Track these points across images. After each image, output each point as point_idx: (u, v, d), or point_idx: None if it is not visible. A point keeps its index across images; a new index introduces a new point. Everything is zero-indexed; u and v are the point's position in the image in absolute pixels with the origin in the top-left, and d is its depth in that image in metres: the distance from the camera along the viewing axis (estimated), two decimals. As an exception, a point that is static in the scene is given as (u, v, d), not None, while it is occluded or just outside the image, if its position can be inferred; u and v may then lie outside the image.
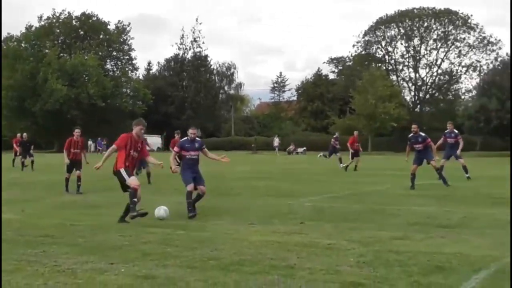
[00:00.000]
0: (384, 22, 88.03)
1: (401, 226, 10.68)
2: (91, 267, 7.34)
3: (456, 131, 23.07)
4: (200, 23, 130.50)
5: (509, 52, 74.94)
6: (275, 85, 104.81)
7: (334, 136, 35.71)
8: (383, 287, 6.31)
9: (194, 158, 13.18)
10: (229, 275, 6.88)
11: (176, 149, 13.86)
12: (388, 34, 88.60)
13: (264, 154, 67.02)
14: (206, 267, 7.30)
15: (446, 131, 22.89)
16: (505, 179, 21.92)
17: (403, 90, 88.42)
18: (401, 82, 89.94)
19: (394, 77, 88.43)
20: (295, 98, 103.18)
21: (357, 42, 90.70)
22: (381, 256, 7.85)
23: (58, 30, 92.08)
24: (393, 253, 8.08)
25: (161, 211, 11.91)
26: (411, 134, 19.24)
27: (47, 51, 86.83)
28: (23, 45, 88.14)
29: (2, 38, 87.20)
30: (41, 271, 7.12)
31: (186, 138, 13.46)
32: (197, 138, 13.58)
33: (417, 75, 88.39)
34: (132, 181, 11.28)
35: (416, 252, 8.11)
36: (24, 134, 35.37)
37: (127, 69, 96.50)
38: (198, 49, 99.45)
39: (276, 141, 70.90)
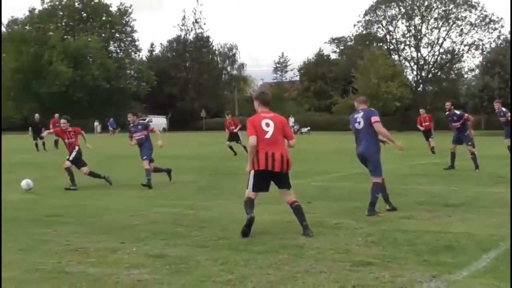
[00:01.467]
0: (384, 2, 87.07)
1: (408, 205, 10.64)
2: (103, 246, 7.36)
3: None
4: (201, 4, 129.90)
5: (512, 31, 74.30)
6: (278, 65, 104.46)
7: None
8: (392, 266, 6.29)
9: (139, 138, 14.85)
10: (239, 254, 6.89)
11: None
12: (389, 13, 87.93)
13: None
14: (216, 247, 7.31)
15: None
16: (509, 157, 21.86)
17: (405, 70, 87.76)
18: (403, 61, 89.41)
19: (396, 57, 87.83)
20: (297, 78, 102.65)
21: (358, 22, 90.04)
22: (389, 235, 7.84)
23: (61, 13, 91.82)
24: (401, 232, 8.07)
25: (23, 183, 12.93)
26: (447, 113, 18.61)
27: (51, 33, 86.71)
28: (27, 27, 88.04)
29: (7, 22, 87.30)
30: (54, 250, 7.17)
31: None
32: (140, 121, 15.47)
33: (419, 54, 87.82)
34: None
35: (424, 231, 8.10)
36: (36, 115, 34.64)
37: (130, 50, 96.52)
38: (200, 30, 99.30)
39: (291, 121, 70.31)
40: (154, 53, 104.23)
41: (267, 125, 8.04)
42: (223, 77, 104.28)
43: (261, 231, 8.18)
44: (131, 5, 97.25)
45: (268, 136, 8.01)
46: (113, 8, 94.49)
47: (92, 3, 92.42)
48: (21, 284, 5.72)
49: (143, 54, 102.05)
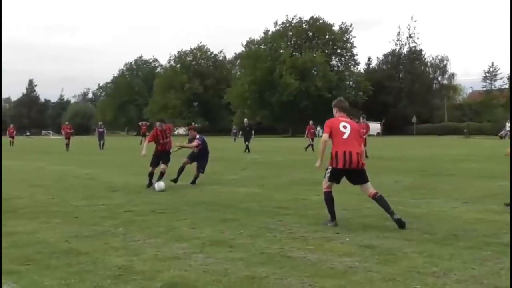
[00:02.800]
0: None
1: None
2: (320, 235, 7.45)
3: None
4: (415, 21, 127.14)
5: None
6: (487, 74, 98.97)
7: None
8: None
9: None
10: (444, 248, 6.60)
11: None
12: None
13: (476, 138, 63.37)
14: (421, 240, 7.08)
15: None
16: None
17: None
18: None
19: None
20: (507, 86, 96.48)
21: None
22: None
23: (290, 33, 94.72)
24: None
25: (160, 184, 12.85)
26: None
27: (281, 51, 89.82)
28: (262, 47, 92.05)
29: (245, 43, 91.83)
30: (278, 237, 7.36)
31: None
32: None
33: None
34: None
35: None
36: (245, 119, 35.43)
37: (349, 64, 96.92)
38: (413, 44, 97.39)
39: (508, 126, 65.95)
40: (370, 66, 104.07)
41: (345, 127, 8.18)
42: (434, 86, 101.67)
43: (466, 229, 7.80)
44: (351, 24, 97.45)
45: (345, 136, 8.12)
46: (336, 27, 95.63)
47: (317, 23, 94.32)
48: (250, 264, 5.95)
49: (361, 67, 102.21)
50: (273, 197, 11.65)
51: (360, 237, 7.29)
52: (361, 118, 23.89)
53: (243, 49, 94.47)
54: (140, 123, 57.36)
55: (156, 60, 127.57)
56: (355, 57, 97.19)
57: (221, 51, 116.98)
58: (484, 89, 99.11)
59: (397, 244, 6.88)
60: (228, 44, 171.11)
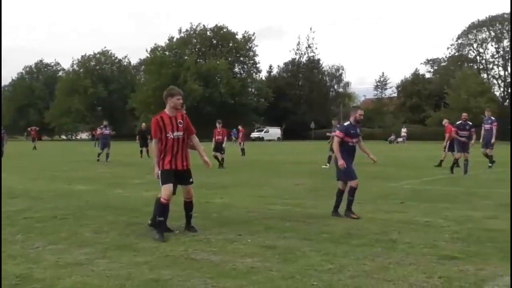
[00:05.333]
0: (475, 27, 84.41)
1: (491, 207, 10.20)
2: (223, 237, 7.46)
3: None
4: (313, 32, 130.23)
5: None
6: (378, 83, 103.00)
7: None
8: (476, 260, 6.04)
9: None
10: (339, 246, 6.81)
11: None
12: (480, 37, 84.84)
13: (369, 143, 65.59)
14: (319, 239, 7.26)
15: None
16: None
17: (493, 87, 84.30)
18: (491, 79, 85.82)
19: (484, 75, 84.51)
20: (395, 94, 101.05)
21: (451, 45, 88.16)
22: (474, 233, 7.54)
23: (195, 40, 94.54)
24: (484, 230, 7.74)
25: None
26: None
27: (186, 57, 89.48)
28: (167, 53, 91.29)
29: (150, 49, 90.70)
30: (182, 240, 7.30)
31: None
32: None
33: (506, 73, 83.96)
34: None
35: (505, 230, 7.70)
36: (143, 124, 33.94)
37: (252, 71, 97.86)
38: (312, 54, 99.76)
39: (404, 131, 68.87)
40: (272, 73, 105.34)
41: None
42: (330, 94, 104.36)
43: (359, 227, 8.09)
44: (253, 33, 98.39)
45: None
46: (239, 36, 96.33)
47: (222, 31, 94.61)
48: (154, 267, 5.87)
49: (263, 75, 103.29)
50: (177, 200, 11.52)
51: (262, 238, 7.37)
52: (217, 124, 22.37)
53: (148, 55, 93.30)
54: (29, 128, 55.77)
55: (58, 63, 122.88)
56: (257, 65, 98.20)
57: (125, 56, 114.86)
58: (376, 97, 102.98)
59: (297, 243, 7.01)
60: (133, 49, 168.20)
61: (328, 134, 22.13)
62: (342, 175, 9.32)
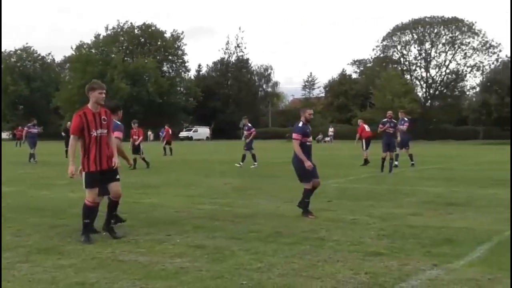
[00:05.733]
0: (399, 29, 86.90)
1: (415, 204, 10.54)
2: (151, 238, 7.37)
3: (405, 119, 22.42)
4: (242, 31, 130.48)
5: (508, 54, 74.51)
6: (306, 83, 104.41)
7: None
8: (400, 256, 6.22)
9: None
10: (268, 245, 6.85)
11: None
12: (403, 39, 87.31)
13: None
14: (248, 238, 7.28)
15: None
16: (504, 163, 21.59)
17: (416, 88, 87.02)
18: (414, 80, 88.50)
19: (408, 76, 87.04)
20: (323, 94, 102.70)
21: (376, 46, 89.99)
22: (398, 230, 7.76)
23: (122, 38, 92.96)
24: (408, 227, 7.98)
25: None
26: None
27: (113, 56, 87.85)
28: (93, 51, 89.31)
29: (75, 46, 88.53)
30: (109, 242, 7.17)
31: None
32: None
33: (428, 74, 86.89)
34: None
35: (428, 226, 8.00)
36: (68, 123, 32.87)
37: (180, 70, 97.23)
38: (241, 54, 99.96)
39: (331, 131, 70.02)
40: (201, 72, 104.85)
41: None
42: (259, 93, 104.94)
43: (288, 226, 8.17)
44: (182, 32, 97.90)
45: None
46: (167, 35, 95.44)
47: (150, 30, 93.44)
48: (80, 270, 5.73)
49: (192, 74, 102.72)
50: (104, 201, 11.31)
51: (191, 238, 7.32)
52: (132, 124, 22.15)
53: (73, 52, 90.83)
54: None
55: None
56: (186, 64, 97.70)
57: (49, 54, 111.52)
58: (304, 97, 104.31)
59: (226, 243, 7.01)
60: (57, 46, 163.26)
61: (247, 133, 22.27)
62: (309, 175, 9.32)
